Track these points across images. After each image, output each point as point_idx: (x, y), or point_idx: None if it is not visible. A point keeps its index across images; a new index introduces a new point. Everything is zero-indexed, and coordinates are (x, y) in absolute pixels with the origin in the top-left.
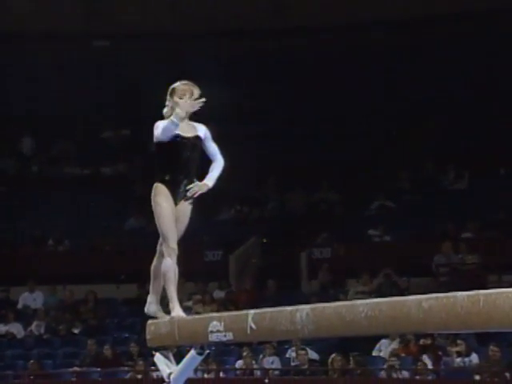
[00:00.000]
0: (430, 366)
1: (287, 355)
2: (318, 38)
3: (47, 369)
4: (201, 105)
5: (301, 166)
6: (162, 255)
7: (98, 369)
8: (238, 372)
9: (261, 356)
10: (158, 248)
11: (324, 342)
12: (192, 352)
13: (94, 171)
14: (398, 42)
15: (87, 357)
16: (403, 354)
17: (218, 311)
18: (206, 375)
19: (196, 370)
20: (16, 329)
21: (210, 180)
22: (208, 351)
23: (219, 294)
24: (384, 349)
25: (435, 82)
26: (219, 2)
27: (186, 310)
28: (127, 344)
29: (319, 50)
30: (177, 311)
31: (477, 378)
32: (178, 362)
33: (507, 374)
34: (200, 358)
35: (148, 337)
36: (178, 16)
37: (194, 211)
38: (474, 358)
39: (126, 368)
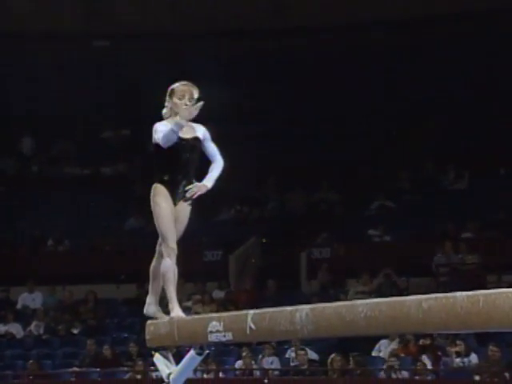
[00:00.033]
0: (429, 367)
1: (287, 355)
2: (318, 38)
3: (46, 369)
4: (199, 109)
5: (301, 165)
6: (161, 256)
7: (98, 369)
8: (237, 372)
9: (260, 356)
10: (157, 248)
11: (323, 342)
12: (191, 352)
13: (94, 171)
14: (398, 41)
15: (86, 357)
16: (403, 354)
17: (217, 311)
18: (205, 375)
19: (195, 371)
20: (15, 329)
21: (209, 181)
22: (207, 351)
23: (219, 294)
24: (383, 349)
25: (435, 82)
26: (219, 2)
27: (186, 310)
28: (127, 344)
29: (319, 50)
30: (176, 311)
31: (476, 378)
32: (177, 362)
33: (507, 374)
34: (199, 358)
35: (147, 337)
36: (178, 16)
37: (193, 211)
38: (474, 358)
39: (126, 368)
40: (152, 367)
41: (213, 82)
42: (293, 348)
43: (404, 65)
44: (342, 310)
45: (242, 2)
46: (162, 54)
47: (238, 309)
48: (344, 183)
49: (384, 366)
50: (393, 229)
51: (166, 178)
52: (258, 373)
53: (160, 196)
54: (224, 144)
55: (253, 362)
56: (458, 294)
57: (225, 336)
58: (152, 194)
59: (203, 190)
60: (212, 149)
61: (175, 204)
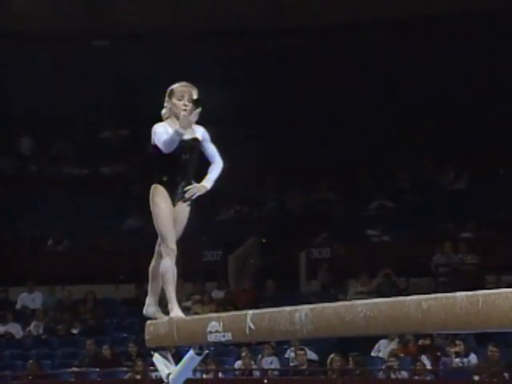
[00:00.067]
0: (428, 367)
1: (286, 355)
2: (318, 38)
3: (46, 369)
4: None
5: (300, 165)
6: (160, 256)
7: (97, 369)
8: (236, 372)
9: (260, 356)
10: (157, 249)
11: (323, 342)
12: (191, 352)
13: (93, 171)
14: (398, 41)
15: (86, 357)
16: (402, 355)
17: (216, 311)
18: (204, 375)
19: (195, 371)
20: (15, 329)
21: (208, 182)
22: (207, 351)
23: (218, 294)
24: (383, 349)
25: (435, 82)
26: (219, 2)
27: (185, 310)
28: (126, 344)
29: (319, 50)
30: (175, 312)
31: (476, 378)
32: (176, 362)
33: (506, 375)
34: (199, 358)
35: (147, 337)
36: (178, 16)
37: (193, 211)
38: (473, 358)
39: (125, 368)
40: (151, 367)
41: (213, 82)
42: (292, 348)
43: (404, 65)
44: (342, 310)
45: (242, 2)
46: (161, 54)
47: (237, 309)
48: (344, 183)
49: (383, 366)
50: (392, 229)
51: (164, 178)
52: (257, 373)
53: (159, 196)
54: (223, 144)
55: (252, 362)
56: (458, 294)
57: (224, 336)
58: (151, 194)
59: (202, 191)
60: (211, 150)
61: (174, 205)
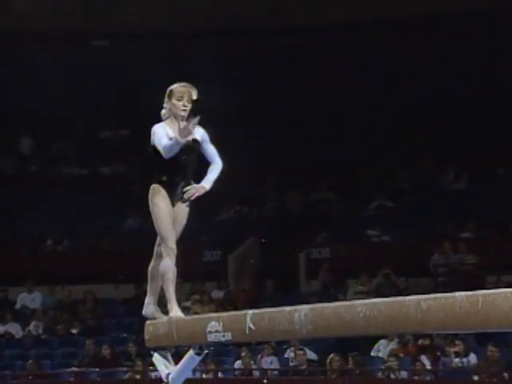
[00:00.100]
0: (428, 367)
1: (286, 355)
2: (318, 38)
3: (45, 369)
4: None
5: (300, 165)
6: (159, 256)
7: (97, 369)
8: (236, 372)
9: (259, 356)
10: (156, 249)
11: (322, 342)
12: (190, 352)
13: (93, 171)
14: (398, 41)
15: (85, 357)
16: (402, 355)
17: (216, 311)
18: (204, 375)
19: (194, 371)
20: (14, 329)
21: (208, 182)
22: (206, 351)
23: (218, 294)
24: (383, 349)
25: (435, 82)
26: (219, 1)
27: (185, 310)
28: (126, 344)
29: (319, 50)
30: (175, 311)
31: (475, 378)
32: (176, 362)
33: (506, 374)
34: (198, 358)
35: (146, 337)
36: (178, 16)
37: (192, 211)
38: (473, 358)
39: (125, 368)
40: (151, 367)
41: (213, 82)
42: (292, 348)
43: (404, 65)
44: (341, 310)
45: (242, 2)
46: (161, 54)
47: (236, 309)
48: (343, 183)
49: (383, 366)
50: (392, 229)
51: (164, 179)
52: (257, 373)
53: (158, 196)
54: (223, 144)
55: (252, 362)
56: (457, 294)
57: (224, 336)
58: (150, 194)
59: (201, 192)
60: (211, 150)
61: (173, 205)
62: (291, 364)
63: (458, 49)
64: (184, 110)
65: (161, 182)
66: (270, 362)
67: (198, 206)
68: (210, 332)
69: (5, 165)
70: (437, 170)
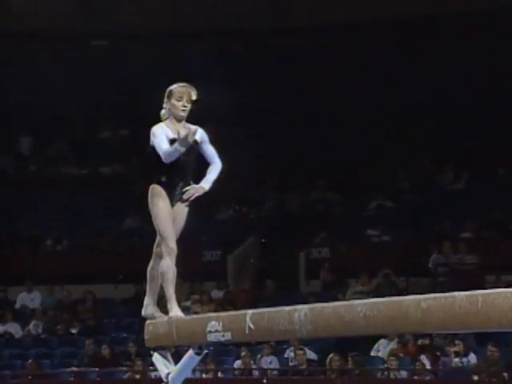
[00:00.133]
0: (428, 366)
1: (285, 355)
2: (318, 38)
3: (45, 369)
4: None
5: (300, 165)
6: (158, 257)
7: (96, 369)
8: (236, 372)
9: (259, 356)
10: (155, 249)
11: (322, 341)
12: (190, 352)
13: (93, 171)
14: (398, 41)
15: (85, 357)
16: (401, 354)
17: (216, 311)
18: (204, 375)
19: (194, 370)
20: (14, 328)
21: (207, 183)
22: (206, 351)
23: (217, 294)
24: (382, 349)
25: (435, 82)
26: (219, 1)
27: (184, 309)
28: (125, 344)
29: (319, 50)
30: (175, 311)
31: (475, 378)
32: (176, 361)
33: (505, 374)
34: (198, 358)
35: (146, 337)
36: (178, 16)
37: (192, 211)
38: (472, 358)
39: (124, 368)
40: (151, 367)
41: (213, 82)
42: (291, 348)
43: (404, 65)
44: (341, 309)
45: (242, 2)
46: (161, 54)
47: (236, 309)
48: (343, 183)
49: (383, 366)
50: (392, 229)
51: (163, 179)
52: (256, 373)
53: (158, 196)
54: (223, 144)
55: (252, 362)
56: (457, 293)
57: (224, 336)
58: (149, 194)
59: (200, 192)
60: (210, 151)
61: (172, 205)
62: (291, 364)
63: (458, 49)
64: (183, 110)
65: (160, 183)
66: (269, 361)
67: (198, 205)
68: (209, 332)
69: (4, 165)
70: (436, 170)
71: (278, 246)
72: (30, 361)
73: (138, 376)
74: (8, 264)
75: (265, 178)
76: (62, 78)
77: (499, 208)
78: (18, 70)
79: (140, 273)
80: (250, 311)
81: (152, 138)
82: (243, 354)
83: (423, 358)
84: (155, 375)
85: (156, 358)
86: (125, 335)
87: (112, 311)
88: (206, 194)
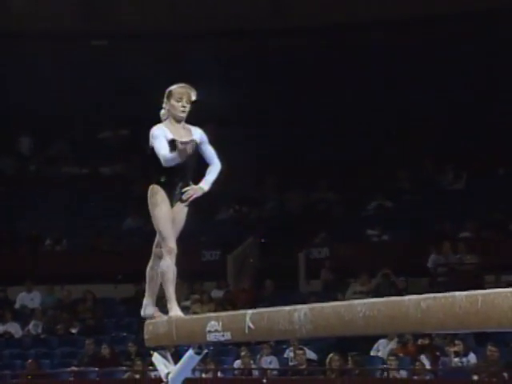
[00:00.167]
0: (427, 366)
1: (285, 355)
2: (318, 38)
3: (45, 368)
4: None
5: (299, 165)
6: (157, 257)
7: (96, 368)
8: (236, 372)
9: (259, 356)
10: (154, 250)
11: (322, 341)
12: (190, 352)
13: (93, 171)
14: (398, 41)
15: (85, 356)
16: (401, 354)
17: (215, 311)
18: (203, 375)
19: (194, 370)
20: (14, 328)
21: (206, 184)
22: (206, 351)
23: (217, 294)
24: (382, 349)
25: (435, 82)
26: (219, 1)
27: (184, 309)
28: (125, 344)
29: (319, 50)
30: (175, 311)
31: (475, 378)
32: (176, 361)
33: (505, 374)
34: (198, 357)
35: (146, 336)
36: (178, 16)
37: (192, 211)
38: (472, 357)
39: (124, 368)
40: (150, 367)
41: (213, 82)
42: (291, 348)
43: (404, 65)
44: (341, 309)
45: (242, 2)
46: (161, 54)
47: (236, 308)
48: (343, 183)
49: (382, 366)
50: (391, 229)
51: (162, 179)
52: (256, 372)
53: (157, 196)
54: (223, 144)
55: (251, 362)
56: (457, 293)
57: (223, 335)
58: (149, 194)
59: (199, 193)
60: (209, 152)
61: (172, 205)
62: (291, 364)
63: (458, 49)
64: (183, 111)
65: (159, 183)
66: (269, 361)
67: (198, 205)
68: (209, 331)
69: (4, 165)
70: (436, 170)
71: (278, 246)
72: (29, 361)
73: (137, 376)
74: (8, 264)
75: (265, 178)
76: (62, 78)
77: (499, 208)
78: (18, 70)
79: (140, 273)
80: (249, 311)
81: (151, 139)
82: (243, 353)
83: (423, 358)
84: (155, 375)
85: (156, 357)
86: (124, 335)
87: (112, 311)
88: (206, 194)
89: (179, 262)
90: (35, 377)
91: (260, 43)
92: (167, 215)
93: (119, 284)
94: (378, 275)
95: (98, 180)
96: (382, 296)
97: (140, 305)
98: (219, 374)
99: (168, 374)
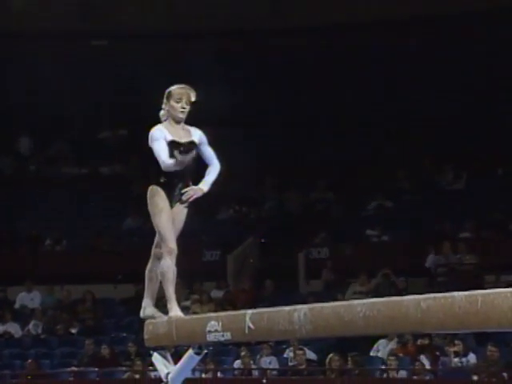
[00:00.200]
0: (427, 366)
1: (285, 355)
2: (318, 38)
3: (45, 368)
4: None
5: (299, 165)
6: (156, 258)
7: (96, 369)
8: (235, 372)
9: (258, 356)
10: (153, 251)
11: (322, 341)
12: (190, 352)
13: (92, 171)
14: (398, 41)
15: (85, 356)
16: (401, 354)
17: (215, 311)
18: (203, 375)
19: (194, 370)
20: (13, 328)
21: (205, 184)
22: (206, 351)
23: (217, 294)
24: (382, 349)
25: (435, 82)
26: (219, 1)
27: (184, 309)
28: (125, 344)
29: (319, 50)
30: (175, 311)
31: (475, 378)
32: (175, 361)
33: (505, 374)
34: (198, 357)
35: (146, 337)
36: (178, 16)
37: (192, 211)
38: (472, 357)
39: (124, 368)
40: (150, 367)
41: (212, 82)
42: (291, 348)
43: (404, 65)
44: (341, 309)
45: (242, 2)
46: (161, 54)
47: (236, 309)
48: (343, 183)
49: (382, 366)
50: (391, 229)
51: (162, 180)
52: (256, 373)
53: (157, 197)
54: (223, 144)
55: (251, 362)
56: (457, 293)
57: (223, 336)
58: (149, 195)
59: (199, 194)
60: (209, 152)
61: (172, 206)
62: (290, 364)
63: (458, 49)
64: (182, 111)
65: (159, 183)
66: (269, 361)
67: (198, 205)
68: (209, 332)
69: (4, 164)
70: (436, 170)
71: (278, 246)
72: (29, 361)
73: (137, 376)
74: (8, 264)
75: (265, 178)
76: (62, 78)
77: (499, 208)
78: (18, 70)
79: (140, 273)
80: (249, 311)
81: (150, 141)
82: (243, 353)
83: (423, 358)
84: (155, 375)
85: (155, 357)
86: (124, 335)
87: (111, 311)
88: (206, 195)
89: (179, 262)
90: (35, 377)
91: (260, 43)
92: (167, 215)
93: (119, 284)
94: (378, 275)
95: (97, 180)
96: (381, 296)
97: (140, 305)
98: (219, 374)
99: (168, 374)
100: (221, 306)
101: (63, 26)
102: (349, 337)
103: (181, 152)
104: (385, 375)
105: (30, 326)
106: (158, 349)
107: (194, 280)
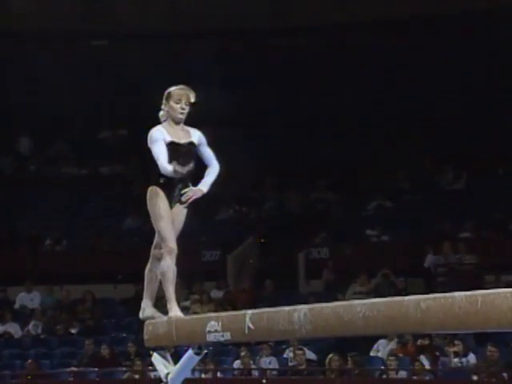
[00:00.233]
0: (427, 367)
1: (285, 355)
2: (318, 38)
3: (44, 369)
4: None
5: (299, 165)
6: (156, 259)
7: (96, 369)
8: (235, 372)
9: (258, 356)
10: (152, 252)
11: (322, 342)
12: (190, 352)
13: (92, 171)
14: (398, 41)
15: (85, 357)
16: (401, 354)
17: (215, 311)
18: (203, 375)
19: (194, 370)
20: (13, 329)
21: (205, 185)
22: (206, 351)
23: (217, 294)
24: (382, 349)
25: (435, 82)
26: (219, 1)
27: (184, 309)
28: (125, 344)
29: (319, 50)
30: (174, 311)
31: (474, 378)
32: (175, 362)
33: (505, 374)
34: (198, 358)
35: (146, 337)
36: (178, 16)
37: (191, 211)
38: (472, 358)
39: (124, 368)
40: (150, 367)
41: (212, 82)
42: (291, 348)
43: (404, 65)
44: (340, 309)
45: (242, 2)
46: (161, 54)
47: (235, 309)
48: (343, 183)
49: (382, 366)
50: (391, 229)
51: (162, 180)
52: (256, 373)
53: (157, 197)
54: (223, 144)
55: (251, 362)
56: (457, 294)
57: (223, 336)
58: (148, 195)
59: (198, 195)
60: (208, 153)
61: (171, 207)
62: (290, 364)
63: (458, 49)
64: (182, 112)
65: (159, 184)
66: (268, 362)
67: (198, 206)
68: (209, 332)
69: (4, 164)
70: (436, 170)
71: (278, 246)
72: (29, 361)
73: (137, 376)
74: (7, 264)
75: (265, 178)
76: (62, 78)
77: (499, 208)
78: (18, 70)
79: (140, 273)
80: (249, 311)
81: (150, 142)
82: (243, 354)
83: (422, 358)
84: (154, 375)
85: (155, 358)
86: (124, 335)
87: (111, 311)
88: (206, 195)
89: (179, 262)
90: (35, 377)
91: (260, 43)
92: (167, 215)
93: (119, 284)
94: (378, 275)
95: (97, 180)
96: (381, 296)
97: (140, 305)
98: (219, 375)
99: (167, 374)
100: (221, 306)
101: (63, 25)
102: (349, 337)
103: (179, 163)
104: (384, 375)
105: (30, 326)
106: (158, 349)
107: (193, 280)
